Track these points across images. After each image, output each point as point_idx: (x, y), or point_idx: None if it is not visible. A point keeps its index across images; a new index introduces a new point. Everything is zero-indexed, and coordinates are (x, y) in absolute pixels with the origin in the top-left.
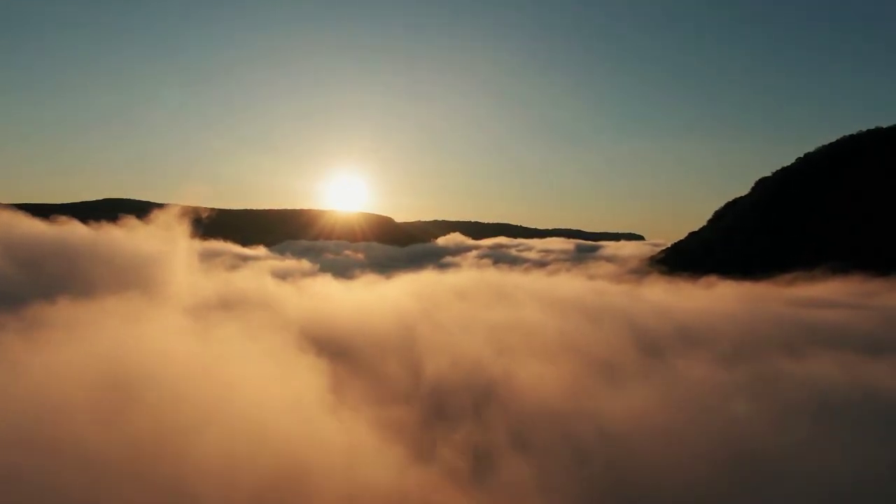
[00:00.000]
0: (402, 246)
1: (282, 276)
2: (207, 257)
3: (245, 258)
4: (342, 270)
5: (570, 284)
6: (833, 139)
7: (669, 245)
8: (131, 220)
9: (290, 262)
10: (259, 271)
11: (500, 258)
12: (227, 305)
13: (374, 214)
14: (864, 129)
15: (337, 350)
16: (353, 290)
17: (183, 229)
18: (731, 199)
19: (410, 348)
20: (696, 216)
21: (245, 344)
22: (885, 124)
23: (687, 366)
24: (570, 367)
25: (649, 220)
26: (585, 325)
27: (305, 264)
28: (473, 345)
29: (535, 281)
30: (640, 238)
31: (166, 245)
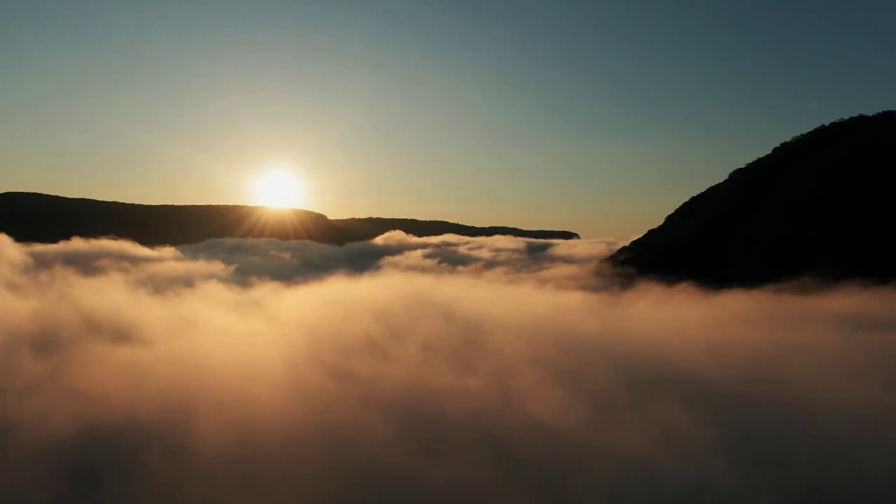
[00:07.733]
0: (338, 244)
1: (160, 285)
2: (78, 261)
3: (137, 261)
4: (244, 276)
5: (549, 302)
6: (795, 134)
7: (629, 244)
8: None
9: (195, 265)
10: (118, 282)
11: (447, 257)
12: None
13: (306, 211)
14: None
15: None
16: (220, 318)
17: None
18: (697, 193)
19: None
20: (627, 213)
21: None
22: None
23: None
24: None
25: (583, 218)
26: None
27: (216, 266)
28: None
29: (498, 294)
30: (575, 236)
31: None
